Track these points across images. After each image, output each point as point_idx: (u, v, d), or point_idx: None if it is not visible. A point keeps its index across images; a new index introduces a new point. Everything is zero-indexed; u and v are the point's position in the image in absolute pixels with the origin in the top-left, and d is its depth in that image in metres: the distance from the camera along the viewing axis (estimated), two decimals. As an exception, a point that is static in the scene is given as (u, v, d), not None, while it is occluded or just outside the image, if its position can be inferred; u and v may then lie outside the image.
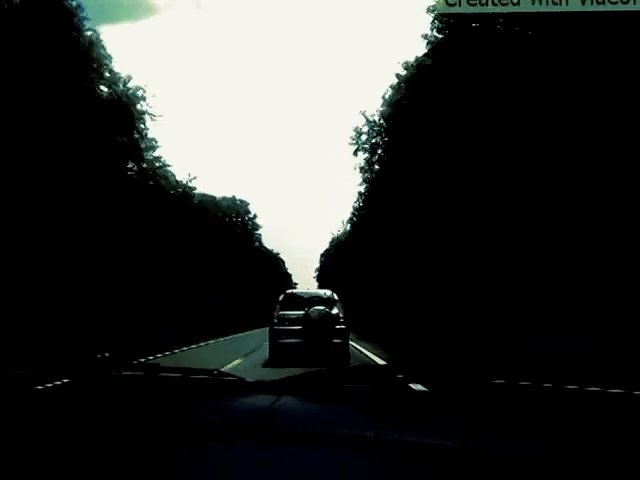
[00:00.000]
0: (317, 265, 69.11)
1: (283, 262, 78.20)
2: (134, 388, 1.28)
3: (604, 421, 0.91)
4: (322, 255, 61.98)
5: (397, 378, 1.19)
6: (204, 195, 38.39)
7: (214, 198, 44.09)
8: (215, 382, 1.34)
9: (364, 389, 1.18)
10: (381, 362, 9.71)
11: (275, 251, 68.90)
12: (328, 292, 11.10)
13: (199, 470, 0.82)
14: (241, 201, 54.59)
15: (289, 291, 11.71)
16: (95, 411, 1.04)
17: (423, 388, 1.26)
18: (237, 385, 1.27)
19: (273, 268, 63.54)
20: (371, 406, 1.03)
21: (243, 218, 55.02)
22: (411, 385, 1.24)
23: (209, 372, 1.38)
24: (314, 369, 1.29)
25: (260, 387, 1.18)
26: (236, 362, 10.31)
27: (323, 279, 57.42)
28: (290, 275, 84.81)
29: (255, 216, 57.64)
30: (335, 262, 46.05)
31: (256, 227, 58.27)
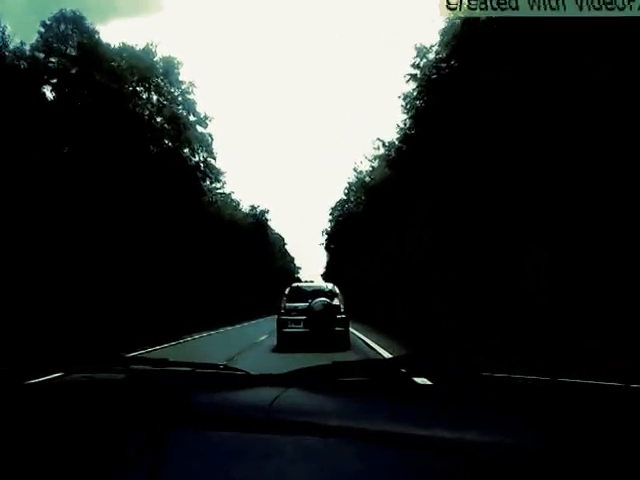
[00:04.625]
0: (324, 225, 47.74)
1: (282, 239, 57.16)
2: (143, 381, 1.25)
3: (603, 414, 0.88)
4: (333, 210, 39.76)
5: (401, 372, 1.17)
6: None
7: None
8: (221, 375, 1.32)
9: (368, 382, 1.15)
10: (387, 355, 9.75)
11: (262, 208, 46.53)
12: (330, 285, 11.96)
13: (201, 462, 0.79)
14: (162, 57, 24.35)
15: (294, 285, 12.43)
16: (92, 405, 1.01)
17: (427, 382, 1.23)
18: (242, 378, 1.25)
19: (257, 234, 41.84)
20: (374, 399, 0.99)
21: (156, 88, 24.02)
22: (415, 379, 1.21)
23: (215, 366, 1.35)
24: (318, 360, 1.27)
25: (264, 380, 1.16)
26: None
27: (334, 248, 40.50)
28: (293, 259, 65.64)
29: (192, 87, 25.47)
30: (354, 217, 30.00)
31: (197, 116, 26.09)
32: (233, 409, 0.93)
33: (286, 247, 62.17)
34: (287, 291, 11.52)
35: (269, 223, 49.94)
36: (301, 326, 10.39)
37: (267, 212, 48.86)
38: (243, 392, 1.06)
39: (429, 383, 1.22)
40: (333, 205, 40.20)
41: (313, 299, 10.45)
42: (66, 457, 0.82)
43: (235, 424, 0.87)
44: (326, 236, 44.60)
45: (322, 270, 54.99)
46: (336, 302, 10.68)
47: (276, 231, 55.13)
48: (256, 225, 43.96)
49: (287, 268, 58.53)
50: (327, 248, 45.87)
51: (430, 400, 1.05)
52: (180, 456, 0.81)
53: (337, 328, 10.24)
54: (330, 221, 41.89)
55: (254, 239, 40.72)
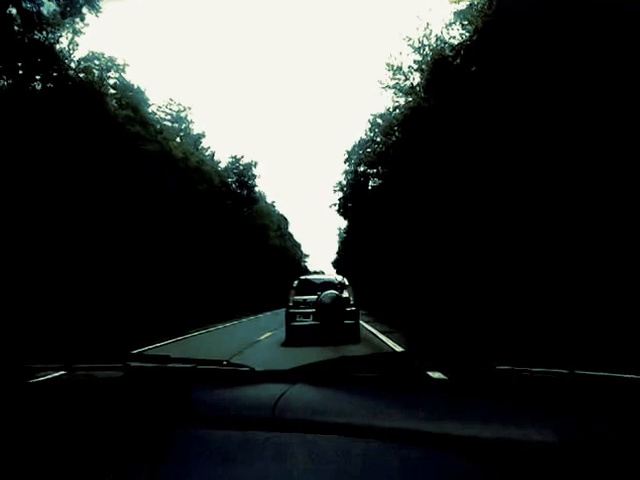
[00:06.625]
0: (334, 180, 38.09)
1: (284, 220, 49.86)
2: (144, 379, 1.22)
3: (617, 406, 0.85)
4: (349, 154, 30.42)
5: (414, 366, 1.12)
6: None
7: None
8: (224, 372, 1.28)
9: (379, 378, 1.11)
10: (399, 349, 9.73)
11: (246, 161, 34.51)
12: (339, 277, 11.83)
13: (203, 462, 0.76)
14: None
15: (303, 277, 12.31)
16: (92, 404, 0.97)
17: (442, 376, 1.18)
18: (246, 375, 1.21)
19: (240, 198, 31.72)
20: (385, 396, 0.95)
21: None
22: (429, 373, 1.17)
23: (218, 362, 1.31)
24: (327, 354, 1.23)
25: (269, 377, 1.12)
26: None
27: (353, 206, 30.58)
28: (300, 245, 58.59)
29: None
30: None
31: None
32: (237, 407, 0.91)
33: (291, 231, 55.18)
34: (295, 283, 11.45)
35: (258, 181, 36.60)
36: (310, 319, 10.32)
37: (254, 165, 33.54)
38: (247, 389, 1.03)
39: (444, 377, 1.17)
40: (350, 149, 29.61)
41: (322, 292, 10.35)
42: (67, 455, 0.80)
43: (239, 422, 0.85)
44: (341, 194, 32.43)
45: (333, 257, 51.44)
46: (345, 294, 10.60)
47: (279, 210, 46.08)
48: (239, 183, 32.05)
49: (292, 255, 53.37)
50: (341, 210, 33.68)
51: (446, 395, 1.01)
52: (182, 455, 0.78)
53: (347, 321, 10.18)
54: (346, 172, 31.20)
55: (235, 201, 29.85)
